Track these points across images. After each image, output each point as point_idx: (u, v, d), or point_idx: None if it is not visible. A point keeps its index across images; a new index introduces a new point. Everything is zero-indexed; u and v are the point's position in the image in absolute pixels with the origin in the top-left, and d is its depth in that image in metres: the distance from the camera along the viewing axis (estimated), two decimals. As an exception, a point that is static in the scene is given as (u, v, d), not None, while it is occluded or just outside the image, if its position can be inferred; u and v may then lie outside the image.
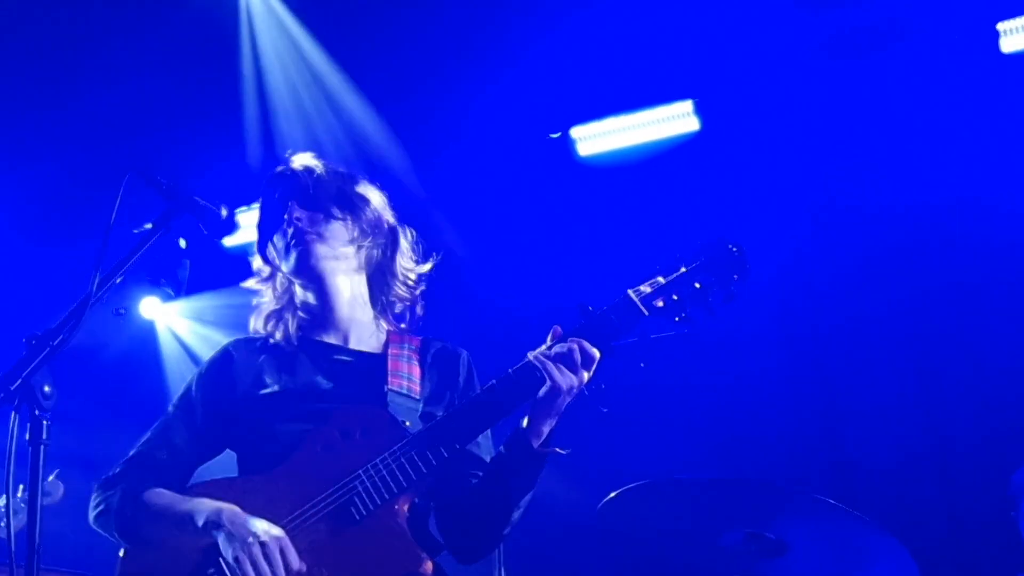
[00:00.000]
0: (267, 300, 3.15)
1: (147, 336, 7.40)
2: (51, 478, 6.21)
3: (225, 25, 6.06)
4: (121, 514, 2.93)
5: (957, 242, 5.64)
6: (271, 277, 3.15)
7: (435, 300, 3.34)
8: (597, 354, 2.74)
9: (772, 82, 5.84)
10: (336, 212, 3.04)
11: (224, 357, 3.12)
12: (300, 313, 3.09)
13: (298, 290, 3.11)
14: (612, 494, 3.83)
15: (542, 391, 2.71)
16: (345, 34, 6.12)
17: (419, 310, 3.20)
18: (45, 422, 2.30)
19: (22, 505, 5.41)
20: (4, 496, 5.09)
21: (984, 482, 5.18)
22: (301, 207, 3.04)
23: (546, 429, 2.75)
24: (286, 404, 2.94)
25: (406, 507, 2.79)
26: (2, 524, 5.12)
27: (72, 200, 6.88)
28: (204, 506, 2.81)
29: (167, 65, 6.13)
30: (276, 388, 2.98)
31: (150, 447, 3.07)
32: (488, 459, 2.94)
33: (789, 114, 5.89)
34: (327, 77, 6.21)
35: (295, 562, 2.70)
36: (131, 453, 3.08)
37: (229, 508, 2.78)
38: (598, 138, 6.15)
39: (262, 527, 2.73)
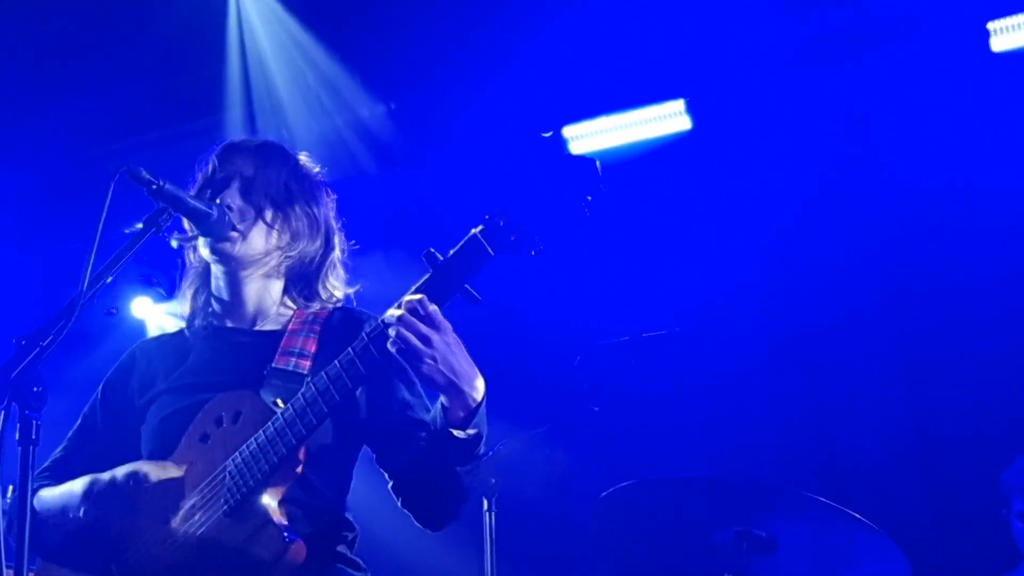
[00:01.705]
0: (191, 274, 3.03)
1: (139, 336, 7.38)
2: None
3: (212, 22, 6.05)
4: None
5: (947, 241, 5.65)
6: (194, 238, 2.96)
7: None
8: (433, 308, 2.53)
9: (763, 81, 5.85)
10: (268, 215, 2.87)
11: (127, 360, 3.05)
12: (212, 296, 2.98)
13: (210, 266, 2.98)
14: (604, 493, 3.84)
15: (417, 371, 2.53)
16: (335, 33, 6.11)
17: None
18: (35, 423, 2.29)
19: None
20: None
21: (975, 480, 5.20)
22: (237, 193, 2.87)
23: (453, 404, 2.55)
24: (179, 398, 2.85)
25: (279, 490, 2.66)
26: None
27: (60, 201, 6.86)
28: (73, 492, 2.77)
29: (156, 62, 6.12)
30: (170, 384, 2.90)
31: (56, 459, 3.01)
32: (423, 417, 2.78)
33: (780, 113, 5.90)
34: (316, 76, 6.21)
35: (174, 470, 2.69)
36: (42, 465, 3.00)
37: (88, 484, 2.74)
38: (590, 137, 6.16)
39: (121, 474, 2.70)
